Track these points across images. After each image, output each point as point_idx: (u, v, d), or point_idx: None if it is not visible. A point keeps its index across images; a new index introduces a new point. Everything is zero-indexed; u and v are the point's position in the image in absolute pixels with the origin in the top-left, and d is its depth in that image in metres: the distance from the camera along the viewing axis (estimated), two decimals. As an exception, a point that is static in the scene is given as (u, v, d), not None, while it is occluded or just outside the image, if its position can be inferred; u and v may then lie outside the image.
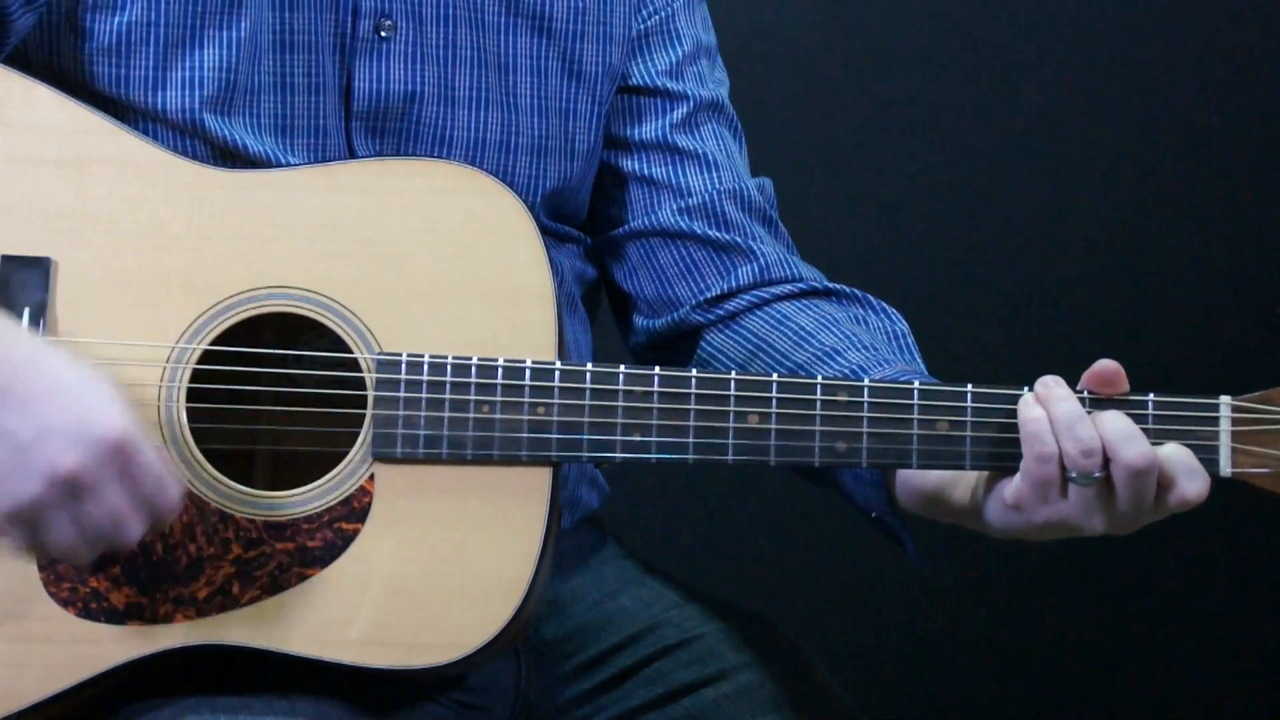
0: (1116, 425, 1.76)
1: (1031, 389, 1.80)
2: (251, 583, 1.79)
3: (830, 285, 2.09)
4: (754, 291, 2.06)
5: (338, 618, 1.79)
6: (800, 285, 2.07)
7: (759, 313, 2.06)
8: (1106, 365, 1.80)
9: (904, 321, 2.06)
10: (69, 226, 1.82)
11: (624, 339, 2.14)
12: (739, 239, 2.08)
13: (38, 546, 1.71)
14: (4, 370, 1.68)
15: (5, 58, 1.88)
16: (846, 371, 1.95)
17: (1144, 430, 1.78)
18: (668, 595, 2.05)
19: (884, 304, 2.07)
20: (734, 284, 2.07)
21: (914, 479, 1.87)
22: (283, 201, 1.83)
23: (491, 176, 1.85)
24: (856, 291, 2.08)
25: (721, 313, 2.07)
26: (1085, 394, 1.80)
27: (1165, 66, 3.25)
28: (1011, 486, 1.79)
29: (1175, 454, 1.77)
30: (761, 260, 2.07)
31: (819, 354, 1.98)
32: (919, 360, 2.02)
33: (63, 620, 1.79)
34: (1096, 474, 1.75)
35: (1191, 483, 1.76)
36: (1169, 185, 3.27)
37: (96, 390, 1.69)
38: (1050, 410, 1.77)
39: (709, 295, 2.07)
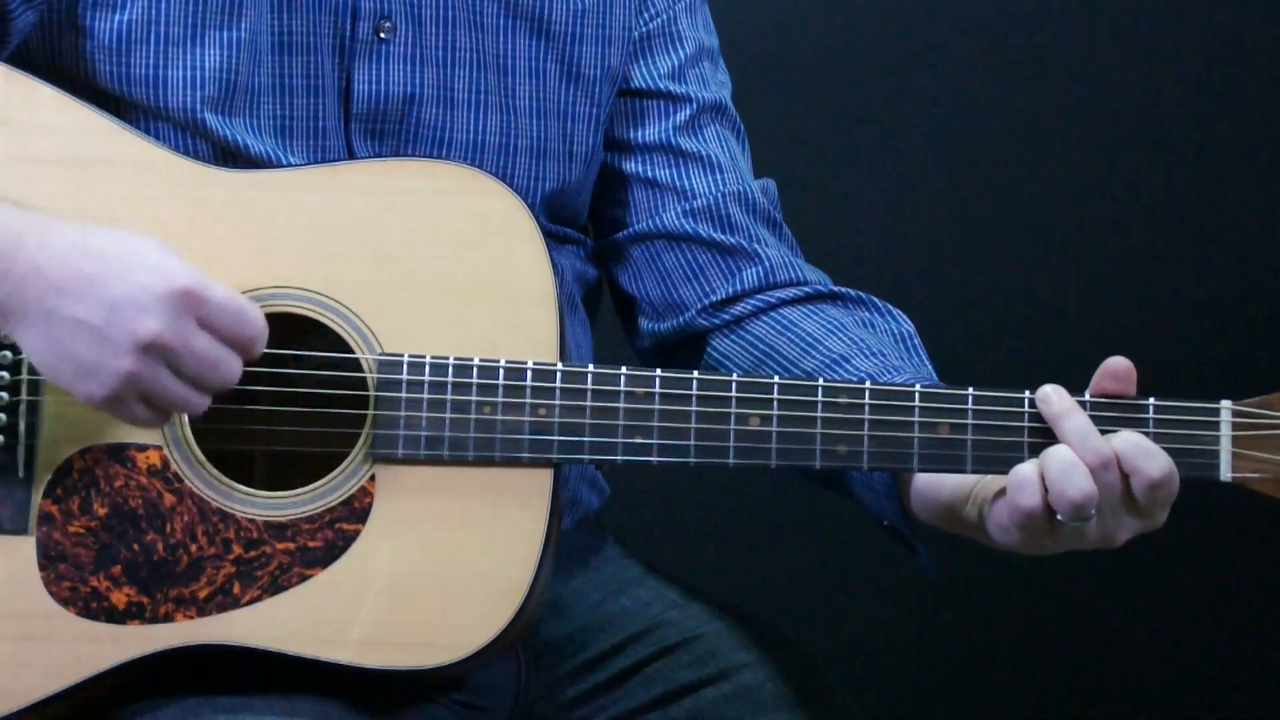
0: (1132, 440, 1.77)
1: (1033, 393, 1.80)
2: (252, 583, 1.79)
3: (835, 288, 2.08)
4: (759, 295, 2.06)
5: (338, 618, 1.79)
6: (805, 289, 2.07)
7: (765, 318, 2.05)
8: (1119, 362, 1.80)
9: (909, 322, 2.05)
10: None
11: (630, 343, 2.14)
12: (743, 241, 2.08)
13: (157, 411, 1.74)
14: (54, 263, 1.71)
15: (7, 57, 1.88)
16: (856, 379, 1.94)
17: (1145, 434, 1.78)
18: (668, 595, 2.04)
19: (889, 306, 2.07)
20: (739, 287, 2.07)
21: (928, 493, 1.87)
22: (284, 202, 1.83)
23: (493, 177, 1.85)
24: (862, 294, 2.08)
25: (727, 317, 2.06)
26: (1088, 399, 1.80)
27: (1168, 69, 3.25)
28: (1003, 516, 1.80)
29: (1127, 441, 1.77)
30: (766, 263, 2.07)
31: (827, 361, 1.98)
32: (927, 363, 2.02)
33: (63, 619, 1.79)
34: (1090, 517, 1.76)
35: (1151, 462, 1.76)
36: (1171, 188, 3.26)
37: (146, 251, 1.72)
38: (1042, 464, 1.77)
39: (714, 299, 2.07)
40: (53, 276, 1.71)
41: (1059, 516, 1.77)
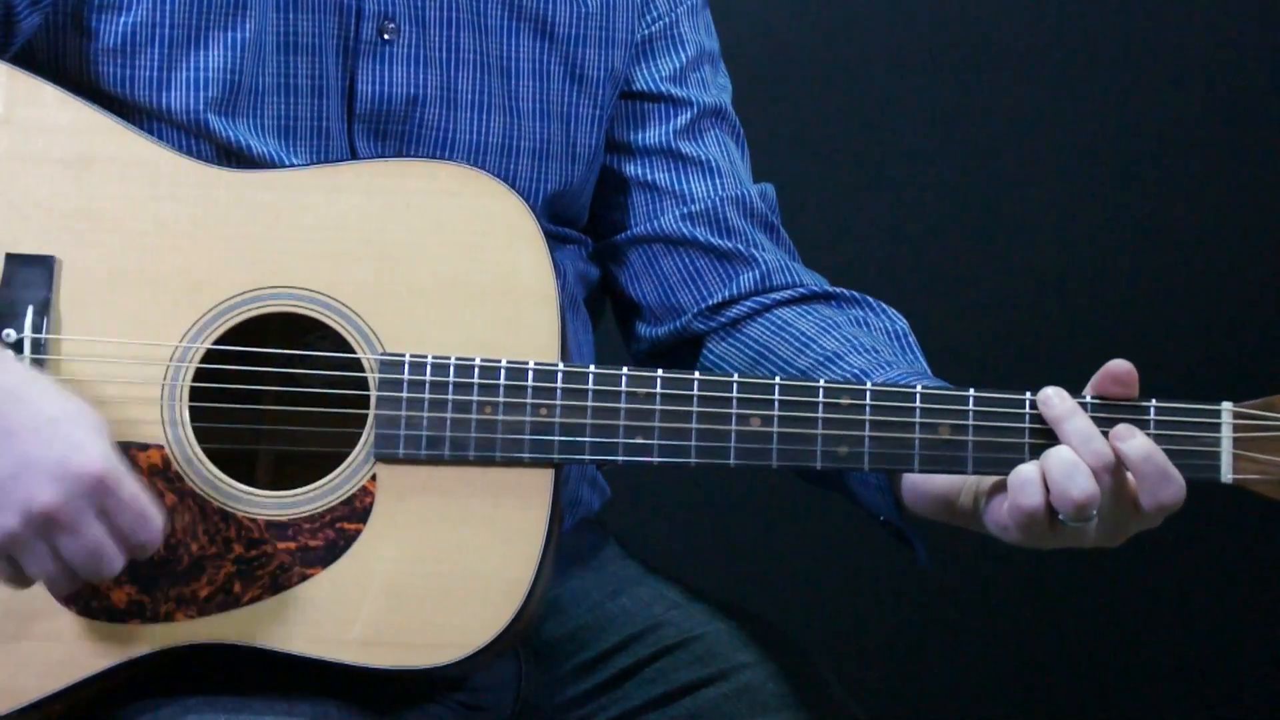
0: (1150, 457, 1.77)
1: (1034, 395, 1.80)
2: (253, 582, 1.79)
3: (830, 289, 2.09)
4: (755, 298, 2.07)
5: (339, 618, 1.79)
6: (800, 290, 2.07)
7: (760, 319, 2.06)
8: (1120, 365, 1.80)
9: (904, 320, 2.06)
10: (73, 225, 1.82)
11: (626, 345, 2.14)
12: (741, 246, 2.08)
13: (18, 577, 1.72)
14: None
15: (10, 57, 1.88)
16: (849, 376, 1.95)
17: (1146, 435, 1.78)
18: (668, 595, 2.05)
19: (883, 304, 2.08)
20: (735, 291, 2.07)
21: (921, 484, 1.87)
22: (287, 202, 1.83)
23: (495, 178, 1.85)
24: (855, 294, 2.08)
25: (724, 320, 2.07)
26: (1089, 399, 1.80)
27: (1169, 69, 3.25)
28: (1002, 513, 1.80)
29: (1146, 459, 1.77)
30: (763, 267, 2.07)
31: (821, 359, 1.99)
32: (921, 359, 2.02)
33: (63, 619, 1.79)
34: (1092, 518, 1.76)
35: (1166, 488, 1.77)
36: (1173, 188, 3.26)
37: (79, 424, 1.70)
38: (1044, 464, 1.77)
39: (711, 302, 2.07)
40: None
41: (1061, 516, 1.77)
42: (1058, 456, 1.77)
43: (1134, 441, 1.78)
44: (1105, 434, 1.78)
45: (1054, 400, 1.79)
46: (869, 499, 1.94)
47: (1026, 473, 1.78)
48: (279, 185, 1.85)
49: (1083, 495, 1.76)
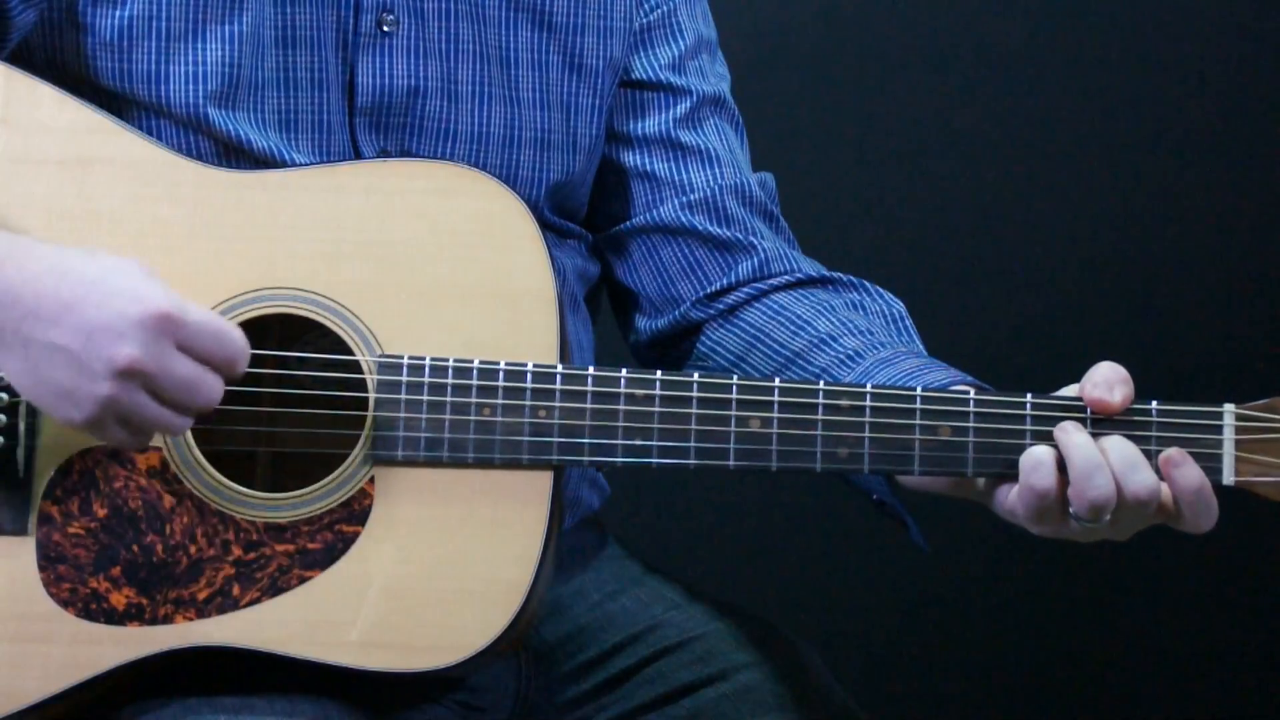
0: (1123, 453, 1.76)
1: (1035, 396, 1.79)
2: (251, 584, 1.79)
3: (827, 273, 2.08)
4: (752, 284, 2.06)
5: (337, 620, 1.79)
6: (798, 275, 2.07)
7: (756, 305, 2.06)
8: (1106, 371, 1.79)
9: (900, 303, 2.06)
10: (71, 226, 1.81)
11: (624, 336, 2.14)
12: (740, 235, 2.07)
13: (136, 433, 1.73)
14: (30, 288, 1.70)
15: (8, 56, 1.88)
16: (844, 357, 1.95)
17: (1147, 437, 1.78)
18: (668, 595, 2.04)
19: (880, 289, 2.07)
20: (733, 279, 2.07)
21: None
22: (285, 202, 1.83)
23: (494, 178, 1.85)
24: (853, 278, 2.08)
25: (721, 307, 2.06)
26: (1088, 415, 1.79)
27: (1170, 69, 3.24)
28: (1009, 498, 1.79)
29: (1189, 487, 1.76)
30: (761, 255, 2.07)
31: (815, 341, 1.98)
32: (917, 341, 2.02)
33: (63, 620, 1.79)
34: (1104, 521, 1.76)
35: (1204, 516, 1.76)
36: (1174, 189, 3.26)
37: (126, 274, 1.72)
38: (1066, 451, 1.76)
39: (709, 290, 2.07)
40: (29, 302, 1.70)
41: (1073, 511, 1.76)
42: (1083, 450, 1.76)
43: (1187, 472, 1.76)
44: (1099, 436, 1.77)
45: (1070, 430, 1.77)
46: (862, 479, 1.94)
47: (1039, 454, 1.77)
48: (277, 186, 1.84)
49: (1100, 496, 1.75)
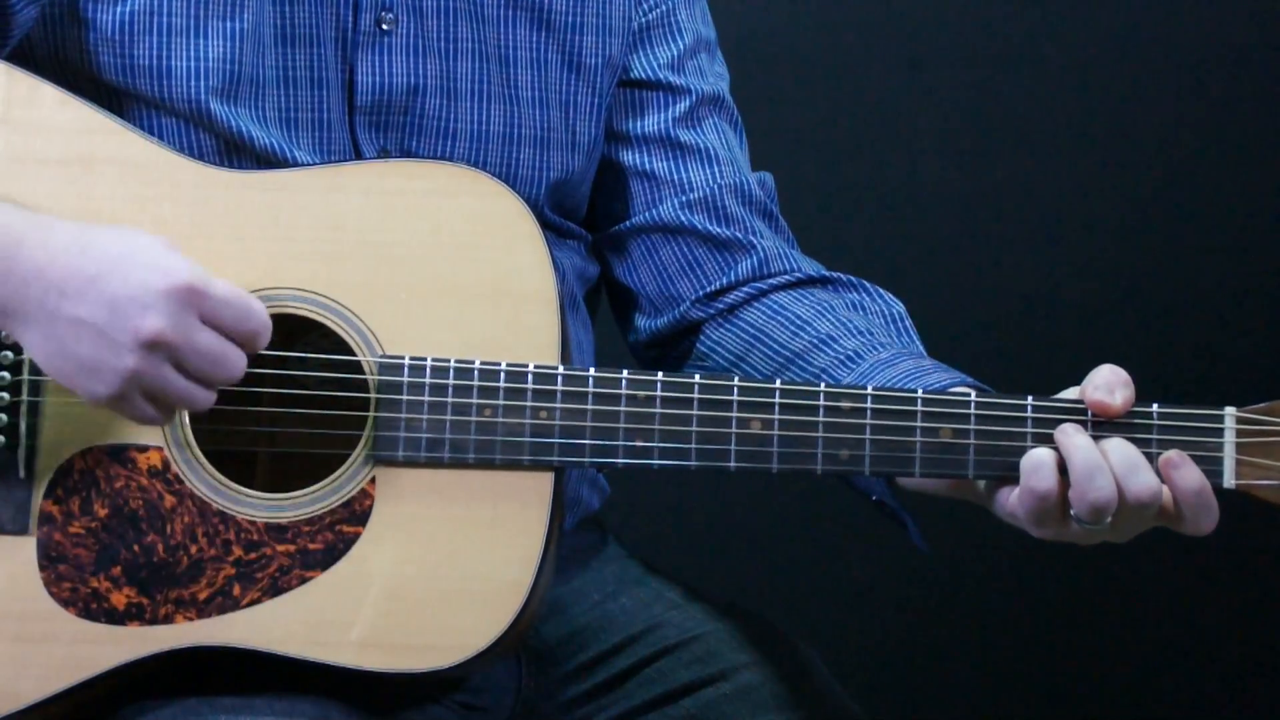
0: (1124, 455, 1.76)
1: (1035, 398, 1.80)
2: (252, 584, 1.79)
3: (827, 273, 2.08)
4: (752, 284, 2.06)
5: (338, 620, 1.79)
6: (798, 275, 2.07)
7: (756, 304, 2.06)
8: (1107, 374, 1.79)
9: (900, 303, 2.06)
10: None
11: (623, 335, 2.14)
12: (739, 234, 2.07)
13: (161, 408, 1.74)
14: (55, 263, 1.71)
15: (10, 54, 1.88)
16: (844, 357, 1.95)
17: (1148, 439, 1.78)
18: (668, 595, 2.04)
19: (880, 289, 2.07)
20: (733, 278, 2.07)
21: None
22: (286, 202, 1.83)
23: (494, 178, 1.85)
24: (853, 278, 2.08)
25: (721, 306, 2.07)
26: (1090, 419, 1.79)
27: (1170, 70, 3.23)
28: (1010, 501, 1.79)
29: (1190, 489, 1.77)
30: (760, 254, 2.07)
31: (815, 341, 1.98)
32: (917, 342, 2.02)
33: (63, 620, 1.79)
34: (1105, 525, 1.76)
35: (1204, 519, 1.77)
36: (1176, 191, 3.25)
37: (148, 248, 1.73)
38: (1067, 454, 1.76)
39: (708, 290, 2.07)
40: (54, 277, 1.71)
41: (1074, 513, 1.76)
42: (1084, 452, 1.76)
43: (1188, 475, 1.77)
44: (1100, 439, 1.77)
45: (1070, 432, 1.77)
46: (863, 480, 1.94)
47: (1040, 456, 1.77)
48: (278, 186, 1.84)
49: (1101, 498, 1.75)
